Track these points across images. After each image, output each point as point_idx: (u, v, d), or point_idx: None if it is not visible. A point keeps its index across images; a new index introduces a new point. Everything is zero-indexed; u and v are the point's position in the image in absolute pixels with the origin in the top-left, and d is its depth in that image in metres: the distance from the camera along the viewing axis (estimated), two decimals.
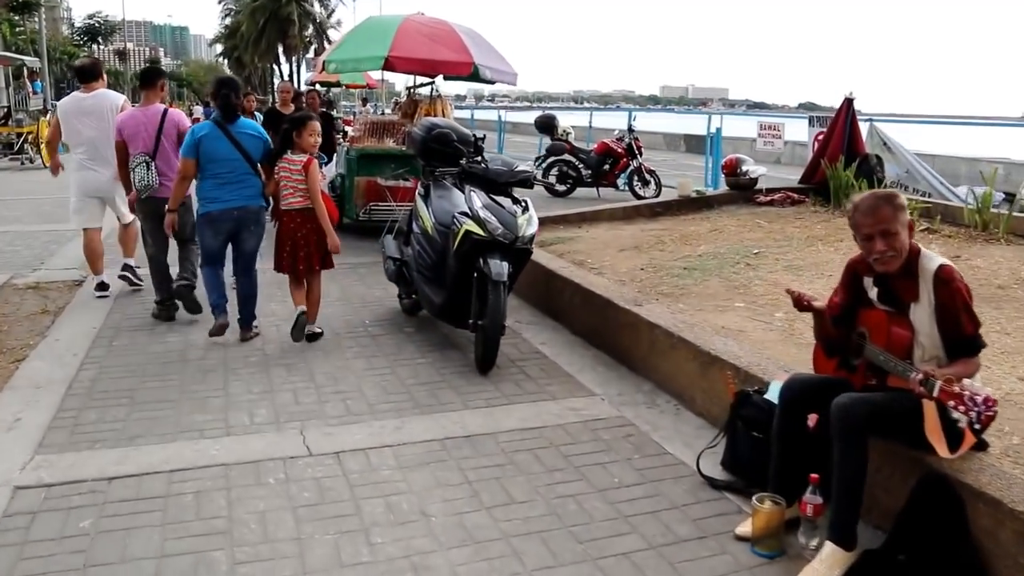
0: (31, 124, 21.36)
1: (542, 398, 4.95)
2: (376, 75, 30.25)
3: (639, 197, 15.63)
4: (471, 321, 5.37)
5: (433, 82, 10.46)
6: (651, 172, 15.84)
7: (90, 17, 74.34)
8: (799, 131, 14.71)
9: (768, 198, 9.94)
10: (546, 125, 16.30)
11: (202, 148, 5.67)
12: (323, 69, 9.88)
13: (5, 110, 21.52)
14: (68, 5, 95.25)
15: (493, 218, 5.27)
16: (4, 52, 24.60)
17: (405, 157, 9.97)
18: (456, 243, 5.38)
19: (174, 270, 6.72)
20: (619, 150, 15.94)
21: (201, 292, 6.26)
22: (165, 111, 6.56)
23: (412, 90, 10.83)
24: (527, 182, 5.69)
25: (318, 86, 35.23)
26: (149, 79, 6.77)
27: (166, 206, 6.02)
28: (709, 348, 4.55)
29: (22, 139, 21.10)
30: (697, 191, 10.30)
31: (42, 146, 21.34)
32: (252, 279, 6.04)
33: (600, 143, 16.44)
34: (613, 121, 29.66)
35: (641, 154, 15.96)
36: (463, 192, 5.90)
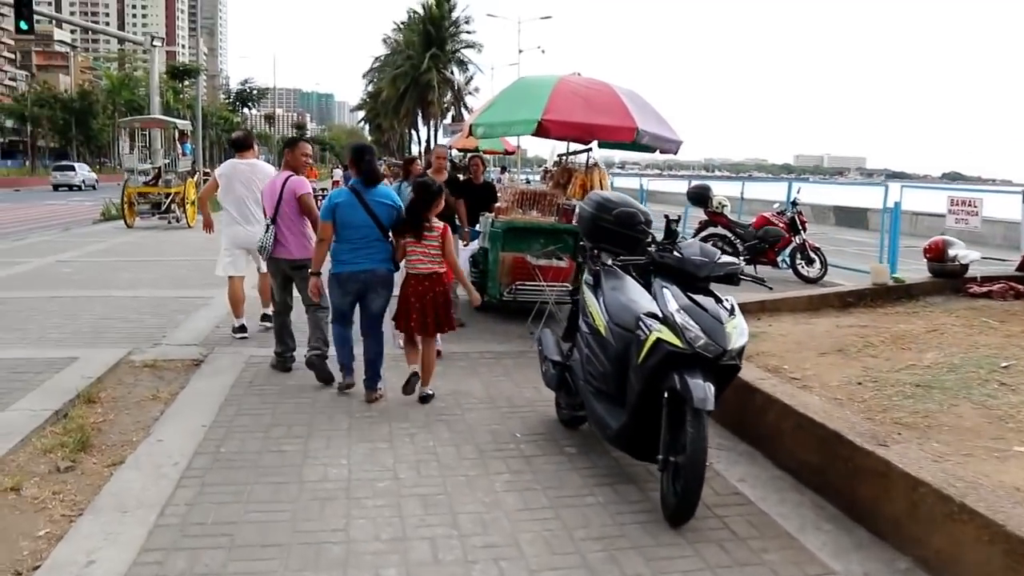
0: (179, 185, 21.69)
1: (760, 573, 3.66)
2: (513, 141, 29.81)
3: (803, 278, 14.15)
4: (660, 457, 4.15)
5: (590, 148, 9.45)
6: (816, 250, 14.35)
7: (242, 84, 78.73)
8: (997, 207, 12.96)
9: (984, 289, 8.36)
10: (700, 196, 15.03)
11: (337, 214, 5.92)
12: (469, 133, 9.03)
13: (157, 171, 21.92)
14: (227, 73, 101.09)
15: (694, 324, 4.08)
16: (159, 116, 25.32)
17: (557, 232, 8.97)
18: (643, 354, 4.21)
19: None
20: (780, 224, 14.53)
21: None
22: (287, 178, 6.78)
23: (564, 157, 9.85)
24: (733, 277, 4.46)
25: (454, 151, 35.56)
26: (286, 148, 7.30)
27: (308, 269, 6.31)
28: (1021, 531, 3.17)
29: (169, 199, 21.42)
30: (895, 278, 8.80)
31: (188, 207, 21.72)
32: (378, 339, 6.21)
33: (760, 216, 15.07)
34: (767, 192, 28.09)
35: (805, 229, 14.51)
36: (645, 284, 4.76)
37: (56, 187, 51.28)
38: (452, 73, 63.12)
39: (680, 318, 4.10)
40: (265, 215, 6.92)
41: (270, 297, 7.69)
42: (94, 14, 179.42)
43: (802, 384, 5.45)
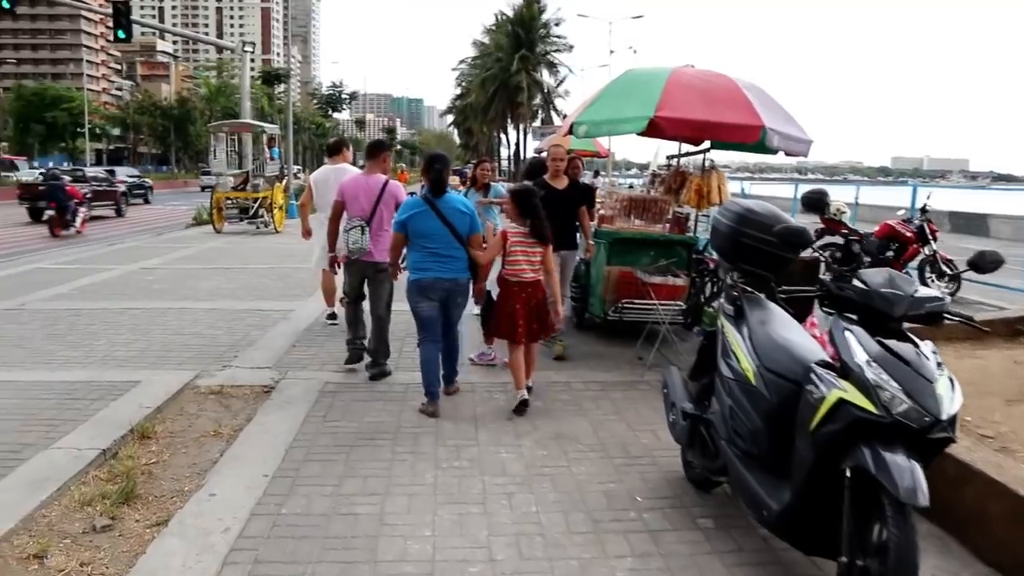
0: (267, 189, 21.40)
1: None
2: (605, 142, 28.77)
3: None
4: (843, 560, 3.11)
5: (708, 149, 8.39)
6: (948, 262, 12.93)
7: (330, 88, 79.74)
8: None
9: None
10: (816, 202, 13.67)
11: (411, 224, 5.90)
12: (569, 131, 8.09)
13: (245, 176, 21.70)
14: (319, 80, 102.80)
15: (892, 382, 3.03)
16: (248, 120, 25.17)
17: (669, 244, 7.96)
18: (817, 418, 3.19)
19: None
20: (907, 234, 13.16)
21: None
22: (386, 182, 6.80)
23: (676, 160, 8.80)
24: (937, 317, 3.37)
25: (546, 154, 34.78)
26: (373, 152, 7.04)
27: (387, 271, 6.55)
28: None
29: (257, 204, 21.13)
30: None
31: (276, 211, 21.41)
32: (455, 339, 6.30)
33: (883, 225, 13.70)
34: (887, 197, 26.31)
35: (936, 239, 13.10)
36: (808, 321, 3.74)
37: (204, 188, 51.94)
38: (542, 75, 62.28)
39: (872, 373, 3.06)
40: (355, 215, 6.64)
41: (333, 299, 8.68)
42: (194, 24, 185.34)
43: (999, 445, 4.33)
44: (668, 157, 9.32)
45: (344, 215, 6.73)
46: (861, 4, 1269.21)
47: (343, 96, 79.62)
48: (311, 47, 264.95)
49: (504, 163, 66.36)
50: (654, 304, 7.39)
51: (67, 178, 23.37)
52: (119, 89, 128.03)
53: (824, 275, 3.90)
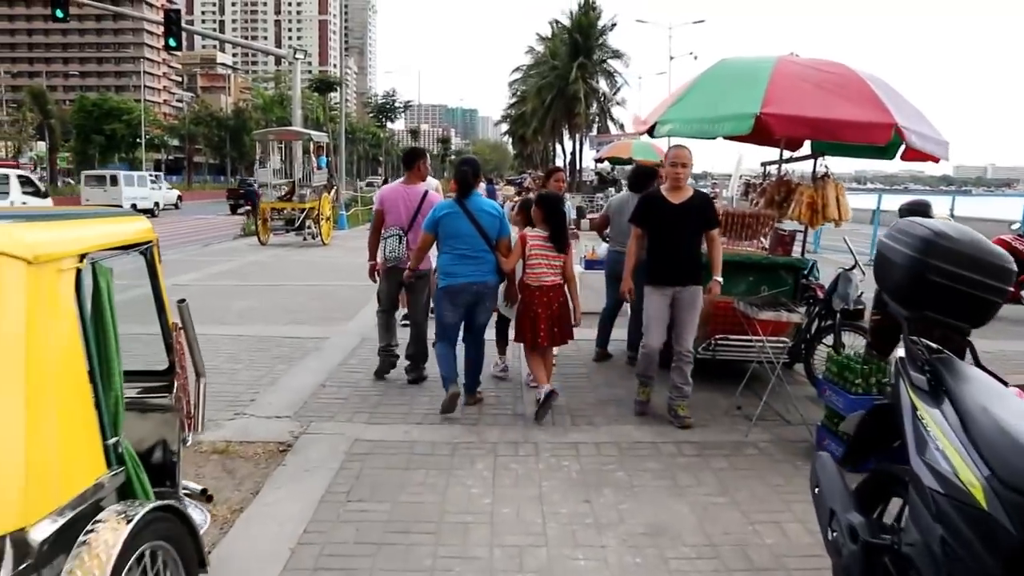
0: (314, 200, 20.43)
1: None
2: (663, 143, 27.43)
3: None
4: None
5: (822, 154, 6.97)
6: None
7: (383, 97, 79.29)
8: None
9: None
10: (918, 215, 12.17)
11: (442, 225, 5.93)
12: (650, 131, 6.75)
13: (291, 186, 20.75)
14: (375, 91, 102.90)
15: None
16: (295, 128, 24.28)
17: (772, 268, 6.59)
18: None
19: None
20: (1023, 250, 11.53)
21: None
22: (426, 192, 6.74)
23: (777, 167, 7.39)
24: None
25: (606, 163, 33.36)
26: (408, 161, 7.01)
27: (422, 279, 6.60)
28: None
29: (304, 215, 20.16)
30: None
31: (323, 223, 20.42)
32: (480, 347, 6.22)
33: (996, 240, 12.05)
34: (984, 208, 24.44)
35: None
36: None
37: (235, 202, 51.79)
38: (599, 83, 60.81)
39: None
40: (392, 224, 6.74)
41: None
42: (254, 36, 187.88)
43: None
44: (765, 164, 7.92)
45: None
46: (920, 8, 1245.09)
47: (397, 105, 78.99)
48: (367, 59, 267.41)
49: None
50: (756, 341, 6.02)
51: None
52: (179, 101, 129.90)
53: None
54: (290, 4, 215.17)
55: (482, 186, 8.17)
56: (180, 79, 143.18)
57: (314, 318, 9.88)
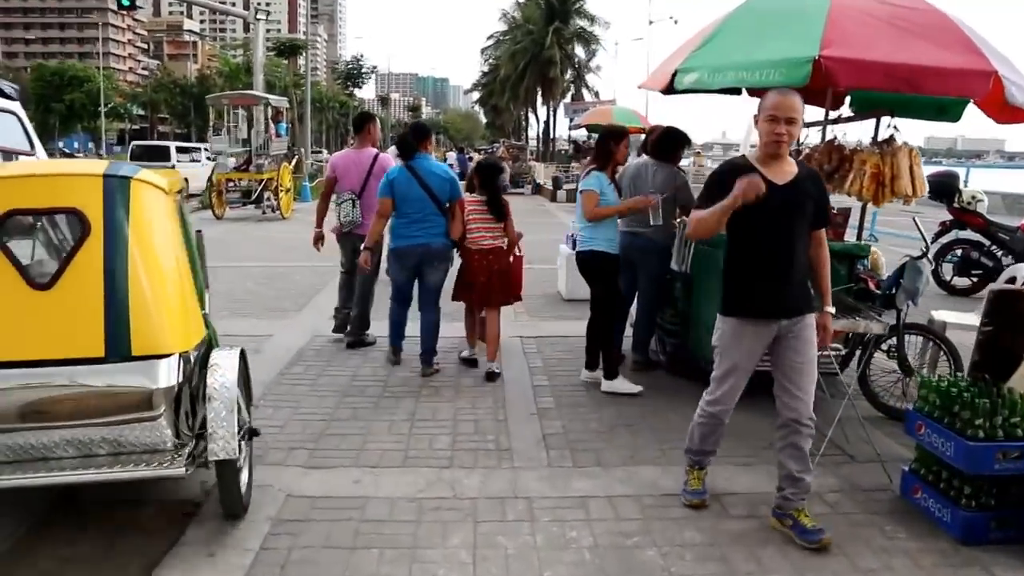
0: (272, 170, 18.79)
1: None
2: (647, 108, 26.28)
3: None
4: None
5: (890, 112, 5.55)
6: None
7: (349, 62, 76.88)
8: None
9: None
10: (945, 188, 10.88)
11: (395, 189, 5.92)
12: (670, 85, 5.32)
13: (247, 155, 19.07)
14: (345, 59, 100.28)
15: None
16: (250, 91, 22.55)
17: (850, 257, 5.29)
18: None
19: None
20: None
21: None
22: (376, 155, 6.79)
23: (822, 129, 5.96)
24: None
25: (584, 131, 31.82)
26: (357, 126, 7.22)
27: (362, 244, 6.31)
28: None
29: (261, 186, 18.53)
30: None
31: (283, 195, 18.84)
32: (434, 313, 6.15)
33: None
34: (1001, 180, 23.28)
35: None
36: None
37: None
38: (574, 49, 58.86)
39: None
40: (346, 189, 6.77)
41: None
42: (222, 2, 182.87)
43: None
44: (807, 125, 6.51)
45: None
46: None
47: (364, 71, 76.39)
48: (337, 26, 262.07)
49: (532, 141, 63.29)
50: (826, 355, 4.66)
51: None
52: (145, 69, 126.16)
53: None
54: None
55: (453, 155, 8.09)
56: (146, 47, 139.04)
57: (260, 308, 8.42)
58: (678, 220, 6.15)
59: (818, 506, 3.92)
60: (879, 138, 5.60)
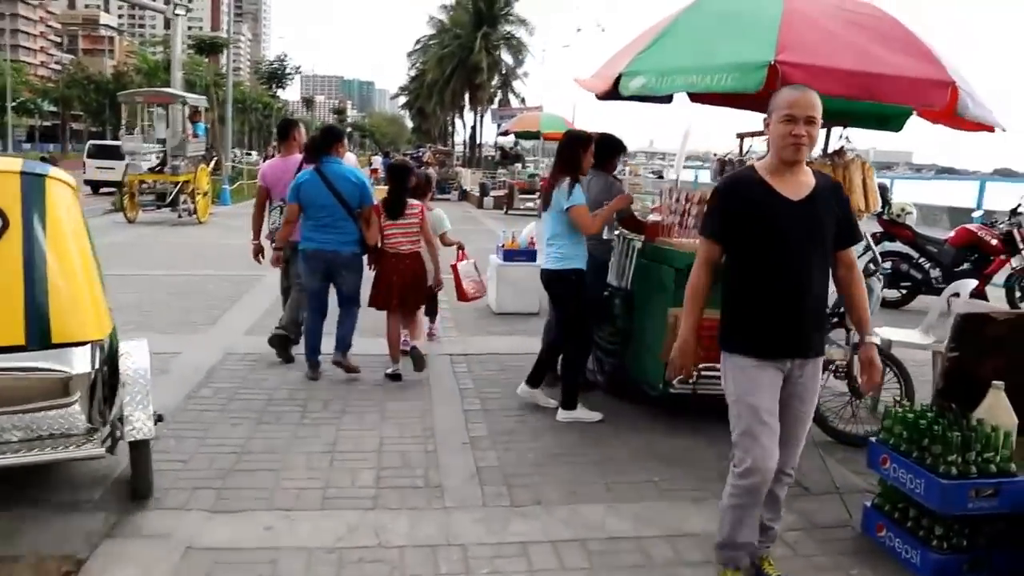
0: (189, 172, 17.95)
1: None
2: (574, 113, 25.83)
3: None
4: None
5: (844, 124, 5.31)
6: None
7: (272, 62, 75.20)
8: None
9: None
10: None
11: (302, 193, 5.82)
12: (614, 89, 4.97)
13: (162, 156, 18.17)
14: (269, 60, 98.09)
15: None
16: (165, 89, 21.62)
17: None
18: None
19: None
20: (993, 241, 10.36)
21: None
22: (302, 161, 6.38)
23: (760, 139, 5.71)
24: None
25: (511, 137, 31.49)
26: (282, 133, 7.06)
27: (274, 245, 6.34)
28: None
29: (177, 188, 17.68)
30: None
31: (200, 198, 18.02)
32: (353, 309, 6.09)
33: (961, 230, 10.92)
34: (918, 192, 23.67)
35: None
36: None
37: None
38: (501, 55, 58.62)
39: None
40: (279, 197, 6.51)
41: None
42: None
43: None
44: (742, 135, 6.26)
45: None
46: None
47: (287, 71, 74.71)
48: (261, 25, 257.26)
49: (459, 147, 62.82)
50: None
51: None
52: (58, 63, 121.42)
53: None
54: None
55: (378, 159, 7.92)
56: (59, 40, 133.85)
57: (168, 323, 7.80)
58: (617, 232, 5.83)
59: (778, 547, 3.59)
60: (829, 149, 5.35)
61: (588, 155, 5.18)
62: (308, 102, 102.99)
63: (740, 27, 4.62)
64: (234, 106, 74.19)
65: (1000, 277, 10.41)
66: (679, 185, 6.54)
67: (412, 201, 6.06)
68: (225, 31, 36.64)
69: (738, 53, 4.41)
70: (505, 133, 30.02)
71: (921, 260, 10.69)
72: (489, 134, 54.26)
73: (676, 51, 4.83)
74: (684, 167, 12.53)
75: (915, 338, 5.82)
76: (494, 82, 58.62)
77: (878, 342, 3.29)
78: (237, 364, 6.35)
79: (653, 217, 5.60)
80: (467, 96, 59.38)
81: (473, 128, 61.97)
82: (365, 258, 6.09)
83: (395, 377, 6.04)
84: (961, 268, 10.44)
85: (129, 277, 10.31)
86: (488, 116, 54.86)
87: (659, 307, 5.04)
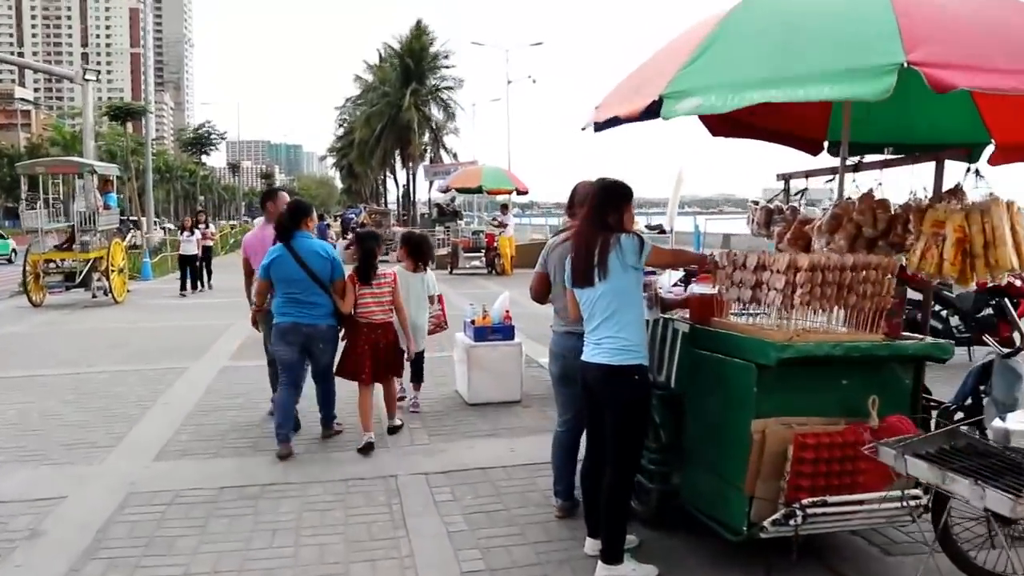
0: (101, 248, 16.12)
1: None
2: (518, 168, 24.86)
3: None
4: None
5: (968, 155, 4.00)
6: None
7: (196, 129, 73.12)
8: None
9: None
10: None
11: (272, 269, 5.75)
12: (650, 112, 3.56)
13: (70, 231, 16.32)
14: (193, 126, 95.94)
15: None
16: (70, 157, 19.75)
17: (878, 363, 3.60)
18: None
19: None
20: (1016, 282, 9.24)
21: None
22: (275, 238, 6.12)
23: (825, 179, 4.35)
24: None
25: (452, 193, 30.16)
26: (263, 203, 7.25)
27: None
28: None
29: (88, 266, 15.82)
30: None
31: (115, 275, 16.17)
32: (329, 384, 6.10)
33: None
34: None
35: None
36: None
37: None
38: (431, 111, 57.66)
39: None
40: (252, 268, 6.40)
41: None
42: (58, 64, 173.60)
43: None
44: (785, 176, 4.90)
45: None
46: None
47: (213, 137, 72.64)
48: (184, 94, 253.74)
49: (392, 206, 61.33)
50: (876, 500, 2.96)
51: None
52: None
53: None
54: (98, 36, 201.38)
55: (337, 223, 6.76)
56: None
57: (57, 447, 6.08)
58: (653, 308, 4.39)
59: None
60: (940, 189, 4.02)
61: (630, 211, 3.76)
62: (234, 168, 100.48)
63: (832, 23, 3.29)
64: (158, 174, 71.75)
65: None
66: (671, 229, 5.17)
67: (385, 270, 6.08)
68: (147, 101, 34.63)
69: (845, 56, 3.05)
70: (446, 190, 28.69)
71: (937, 307, 9.53)
72: (422, 191, 53.03)
73: (738, 60, 3.46)
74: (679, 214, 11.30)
75: None
76: (425, 138, 57.63)
77: None
78: (141, 514, 4.68)
79: (699, 288, 4.17)
80: (398, 153, 58.25)
81: (407, 186, 60.74)
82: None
83: (368, 448, 5.79)
84: (983, 314, 9.33)
85: (16, 381, 8.51)
86: (421, 173, 53.72)
87: (732, 418, 3.60)
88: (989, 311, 9.37)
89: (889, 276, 3.55)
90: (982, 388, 4.00)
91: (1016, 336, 3.90)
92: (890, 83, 2.88)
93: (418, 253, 6.85)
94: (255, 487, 5.03)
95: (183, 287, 18.10)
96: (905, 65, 2.89)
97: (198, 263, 18.58)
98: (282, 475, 5.28)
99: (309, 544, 4.16)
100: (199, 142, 74.53)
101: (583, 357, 3.77)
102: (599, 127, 4.27)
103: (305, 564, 3.92)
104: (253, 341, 8.49)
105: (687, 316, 4.19)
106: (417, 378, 7.09)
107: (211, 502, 4.78)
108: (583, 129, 4.46)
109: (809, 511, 3.39)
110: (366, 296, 5.89)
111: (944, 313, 9.48)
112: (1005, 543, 3.65)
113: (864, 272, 3.49)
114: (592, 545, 3.96)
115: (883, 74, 2.90)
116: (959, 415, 4.17)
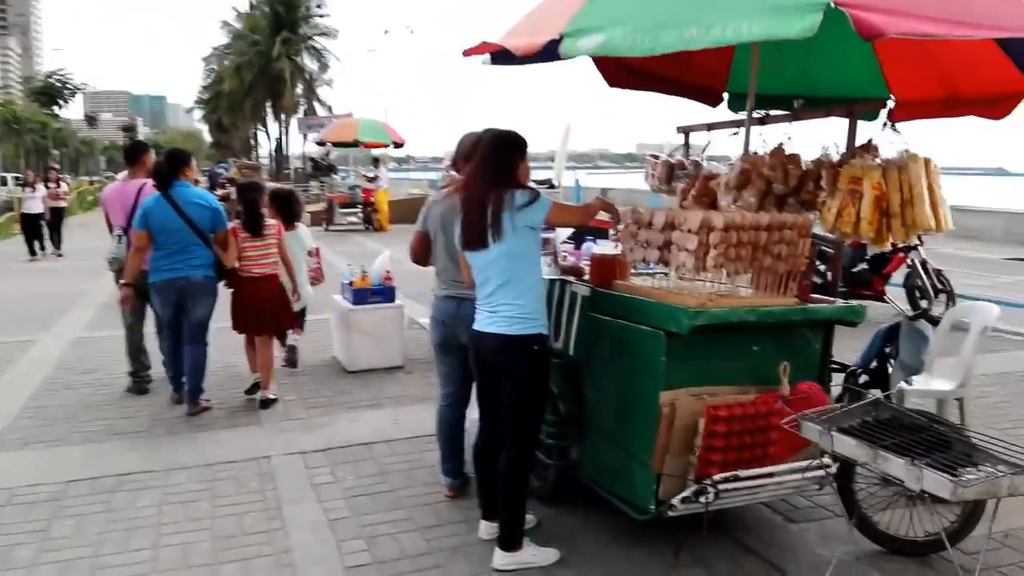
0: None
1: None
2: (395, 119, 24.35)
3: (930, 319, 9.13)
4: None
5: (885, 104, 3.78)
6: (939, 274, 9.41)
7: (47, 77, 68.09)
8: None
9: None
10: None
11: (151, 220, 5.47)
12: (547, 52, 3.18)
13: None
14: (44, 74, 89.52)
15: None
16: None
17: (788, 327, 3.41)
18: None
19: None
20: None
21: None
22: (143, 186, 6.04)
23: (730, 131, 4.10)
24: None
25: (329, 146, 29.06)
26: (129, 157, 6.52)
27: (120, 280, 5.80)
28: None
29: None
30: None
31: None
32: (200, 348, 5.75)
33: None
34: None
35: (923, 244, 9.50)
36: None
37: None
38: (304, 61, 55.54)
39: None
40: (118, 224, 6.12)
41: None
42: None
43: None
44: (684, 129, 4.67)
45: None
46: None
47: (67, 87, 67.83)
48: (32, 39, 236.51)
49: (264, 160, 59.10)
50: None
51: None
52: None
53: None
54: None
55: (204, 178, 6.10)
56: None
57: None
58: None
59: None
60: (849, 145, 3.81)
61: (525, 164, 3.40)
62: (91, 120, 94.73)
63: None
64: (4, 126, 66.53)
65: (898, 276, 9.54)
66: (560, 184, 4.87)
67: (269, 221, 5.91)
68: None
69: None
70: (321, 143, 27.62)
71: (817, 263, 9.66)
72: (296, 145, 51.29)
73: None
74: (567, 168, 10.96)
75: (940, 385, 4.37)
76: (298, 90, 55.63)
77: None
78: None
79: (600, 249, 3.87)
80: (270, 106, 56.02)
81: (279, 140, 58.63)
82: (222, 284, 5.82)
83: (255, 388, 5.96)
84: (858, 268, 9.52)
85: None
86: (294, 126, 51.81)
87: (638, 389, 3.34)
88: (864, 266, 9.57)
89: (805, 236, 3.33)
90: (887, 350, 3.89)
91: (922, 300, 3.78)
92: (815, 20, 2.61)
93: (287, 210, 6.63)
94: (109, 478, 4.47)
95: (31, 250, 16.66)
96: (832, 5, 2.62)
97: (44, 223, 17.11)
98: (140, 462, 4.73)
99: (171, 544, 3.68)
100: (50, 92, 69.57)
101: (476, 326, 3.42)
102: (495, 58, 3.89)
103: (165, 569, 3.45)
104: (111, 308, 7.73)
105: (586, 280, 3.89)
106: (299, 327, 6.94)
107: (55, 500, 4.20)
108: (466, 55, 4.01)
109: (721, 487, 3.17)
110: (249, 249, 5.72)
111: (823, 268, 9.61)
112: (908, 505, 3.56)
113: (780, 232, 3.26)
114: (487, 528, 3.66)
115: (808, 11, 2.63)
116: (864, 378, 4.06)
